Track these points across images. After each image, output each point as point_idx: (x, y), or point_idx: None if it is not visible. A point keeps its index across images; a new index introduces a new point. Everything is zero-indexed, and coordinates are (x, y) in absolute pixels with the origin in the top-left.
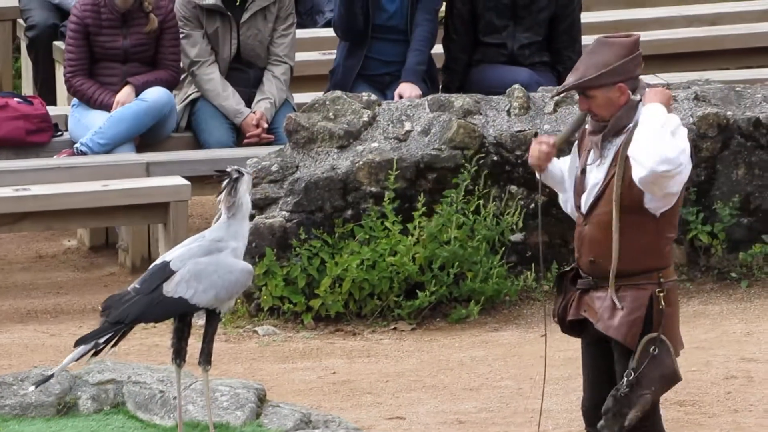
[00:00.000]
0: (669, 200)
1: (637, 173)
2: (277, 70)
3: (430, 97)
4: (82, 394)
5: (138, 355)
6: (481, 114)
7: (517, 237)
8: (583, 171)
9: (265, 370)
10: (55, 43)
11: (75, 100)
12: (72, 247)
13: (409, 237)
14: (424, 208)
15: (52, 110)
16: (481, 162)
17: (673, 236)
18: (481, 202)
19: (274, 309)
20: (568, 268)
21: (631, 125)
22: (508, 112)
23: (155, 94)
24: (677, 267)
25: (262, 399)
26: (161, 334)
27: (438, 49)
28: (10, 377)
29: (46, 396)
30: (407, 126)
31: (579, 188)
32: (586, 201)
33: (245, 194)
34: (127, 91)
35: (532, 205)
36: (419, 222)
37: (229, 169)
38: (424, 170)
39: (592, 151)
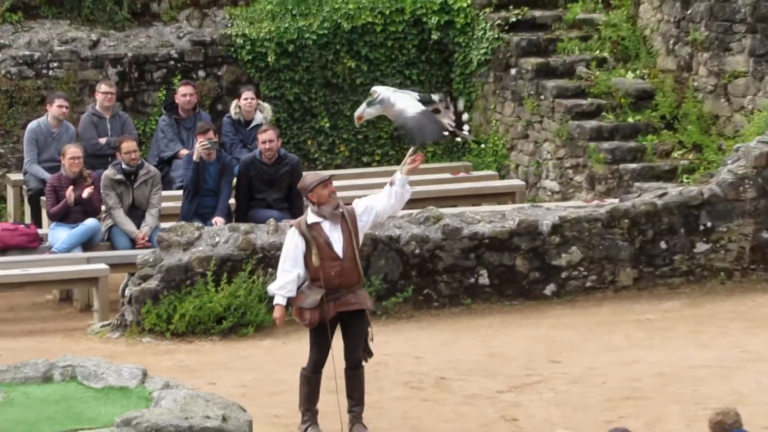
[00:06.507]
0: None
1: None
2: (153, 211)
3: (227, 225)
4: None
5: None
6: (254, 233)
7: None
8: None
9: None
10: (42, 197)
11: (53, 224)
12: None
13: (221, 292)
14: (226, 283)
15: (40, 231)
16: (256, 259)
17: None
18: (260, 281)
19: (151, 329)
20: (319, 297)
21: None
22: (267, 232)
23: (91, 222)
24: None
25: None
26: None
27: (231, 200)
28: None
29: None
30: (217, 239)
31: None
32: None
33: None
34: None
35: None
36: (223, 285)
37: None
38: (226, 261)
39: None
